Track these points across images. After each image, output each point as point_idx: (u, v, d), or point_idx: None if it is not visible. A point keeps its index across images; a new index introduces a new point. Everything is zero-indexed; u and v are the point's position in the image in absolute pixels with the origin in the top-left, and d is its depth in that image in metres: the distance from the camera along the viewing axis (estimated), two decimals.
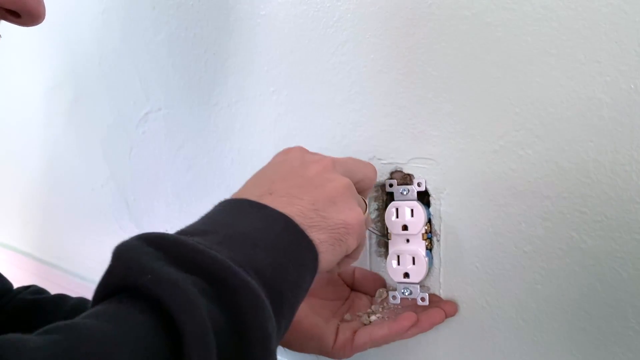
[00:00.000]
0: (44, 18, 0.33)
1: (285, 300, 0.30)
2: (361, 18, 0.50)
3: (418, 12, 0.46)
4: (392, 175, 0.50)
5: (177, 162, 0.71)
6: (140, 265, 0.26)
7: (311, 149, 0.55)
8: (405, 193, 0.48)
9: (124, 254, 0.27)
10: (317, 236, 0.33)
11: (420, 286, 0.48)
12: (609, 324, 0.41)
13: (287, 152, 0.41)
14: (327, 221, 0.34)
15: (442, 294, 0.49)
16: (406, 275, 0.48)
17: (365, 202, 0.42)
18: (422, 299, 0.48)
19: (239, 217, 0.32)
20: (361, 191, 0.42)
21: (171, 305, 0.24)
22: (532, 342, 0.45)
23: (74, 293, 0.61)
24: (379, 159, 0.51)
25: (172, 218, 0.74)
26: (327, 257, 0.34)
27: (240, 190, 0.37)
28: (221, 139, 0.65)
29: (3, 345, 0.21)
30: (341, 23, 0.51)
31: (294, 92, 0.56)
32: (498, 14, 0.42)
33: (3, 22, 0.33)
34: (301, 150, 0.41)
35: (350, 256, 0.40)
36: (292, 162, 0.39)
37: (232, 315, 0.26)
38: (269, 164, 0.40)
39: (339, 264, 0.39)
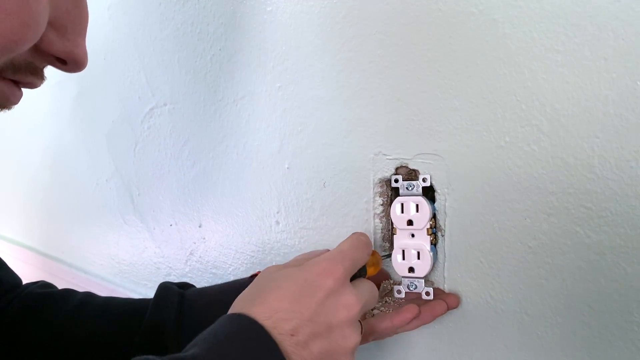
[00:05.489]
0: (85, 66, 0.37)
1: None
2: (368, 14, 0.50)
3: (425, 8, 0.46)
4: (398, 170, 0.51)
5: (182, 157, 0.72)
6: None
7: (317, 145, 0.56)
8: (410, 188, 0.49)
9: None
10: None
11: (425, 280, 0.49)
12: (613, 318, 0.41)
13: (328, 274, 0.39)
14: None
15: (447, 288, 0.50)
16: (411, 269, 0.48)
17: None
18: (427, 293, 0.48)
19: (251, 356, 0.34)
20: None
21: None
22: (536, 337, 0.45)
23: (78, 287, 0.61)
24: (385, 155, 0.51)
25: (176, 213, 0.74)
26: None
27: (271, 307, 0.37)
28: (227, 135, 0.65)
29: None
30: (348, 19, 0.51)
31: (300, 87, 0.57)
32: (505, 11, 0.42)
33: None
34: (342, 278, 0.40)
35: None
36: (327, 297, 0.38)
37: None
38: (308, 282, 0.39)
39: None
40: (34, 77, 0.36)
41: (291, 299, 0.38)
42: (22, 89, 0.37)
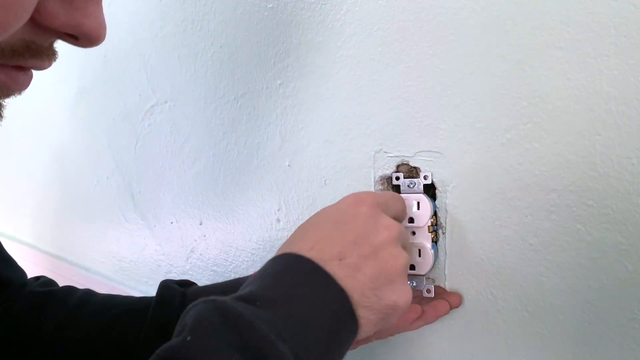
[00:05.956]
0: (103, 40, 0.31)
1: None
2: (369, 11, 0.50)
3: (426, 5, 0.46)
4: (399, 168, 0.51)
5: (183, 154, 0.72)
6: (216, 355, 0.28)
7: (317, 142, 0.56)
8: (411, 186, 0.48)
9: (203, 334, 0.29)
10: (366, 315, 0.35)
11: (426, 278, 0.49)
12: (614, 316, 0.41)
13: (360, 203, 0.40)
14: (381, 302, 0.35)
15: (448, 286, 0.50)
16: (412, 267, 0.48)
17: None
18: (428, 291, 0.48)
19: (305, 289, 0.33)
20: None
21: None
22: (537, 334, 0.45)
23: (79, 284, 0.61)
24: (386, 152, 0.51)
25: (177, 210, 0.74)
26: (365, 333, 0.35)
27: (311, 238, 0.37)
28: (227, 132, 0.65)
29: None
30: (348, 16, 0.51)
31: (301, 85, 0.56)
32: (506, 7, 0.42)
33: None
34: (374, 205, 0.40)
35: None
36: (365, 221, 0.38)
37: None
38: (342, 213, 0.39)
39: None
40: (37, 60, 0.30)
41: (330, 228, 0.37)
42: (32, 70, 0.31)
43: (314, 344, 0.31)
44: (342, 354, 0.34)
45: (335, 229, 0.37)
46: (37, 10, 0.26)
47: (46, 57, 0.30)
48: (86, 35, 0.29)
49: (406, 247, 0.41)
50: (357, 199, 0.40)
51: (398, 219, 0.43)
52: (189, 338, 0.28)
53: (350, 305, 0.34)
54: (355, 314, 0.34)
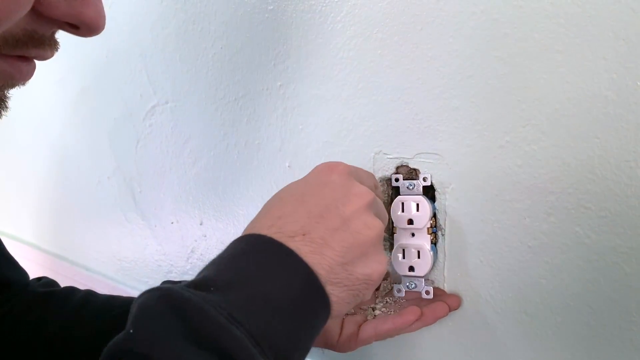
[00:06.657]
0: (103, 29, 0.31)
1: None
2: (369, 13, 0.50)
3: (426, 8, 0.46)
4: (398, 169, 0.51)
5: (184, 155, 0.72)
6: (161, 344, 0.27)
7: (318, 144, 0.56)
8: (411, 187, 0.49)
9: (146, 323, 0.28)
10: (336, 293, 0.33)
11: (425, 280, 0.49)
12: (612, 318, 0.41)
13: (330, 171, 0.38)
14: (351, 277, 0.34)
15: (447, 287, 0.50)
16: (411, 268, 0.48)
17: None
18: (427, 292, 0.48)
19: (264, 268, 0.32)
20: None
21: None
22: (535, 336, 0.45)
23: (79, 284, 0.61)
24: (385, 154, 0.51)
25: (178, 210, 0.75)
26: (338, 312, 0.34)
27: (274, 215, 0.35)
28: (228, 133, 0.66)
29: None
30: (349, 18, 0.51)
31: (301, 86, 0.57)
32: (506, 10, 0.42)
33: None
34: (346, 173, 0.38)
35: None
36: (334, 190, 0.36)
37: None
38: (310, 183, 0.37)
39: None
40: (40, 49, 0.30)
41: (295, 203, 0.35)
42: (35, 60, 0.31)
43: (277, 324, 0.30)
44: (314, 334, 0.32)
45: (301, 203, 0.35)
46: (38, 0, 0.27)
47: (48, 46, 0.31)
48: (86, 25, 0.30)
49: (380, 215, 0.39)
50: (327, 167, 0.38)
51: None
52: (131, 331, 0.27)
53: (317, 281, 0.32)
54: (324, 290, 0.32)
